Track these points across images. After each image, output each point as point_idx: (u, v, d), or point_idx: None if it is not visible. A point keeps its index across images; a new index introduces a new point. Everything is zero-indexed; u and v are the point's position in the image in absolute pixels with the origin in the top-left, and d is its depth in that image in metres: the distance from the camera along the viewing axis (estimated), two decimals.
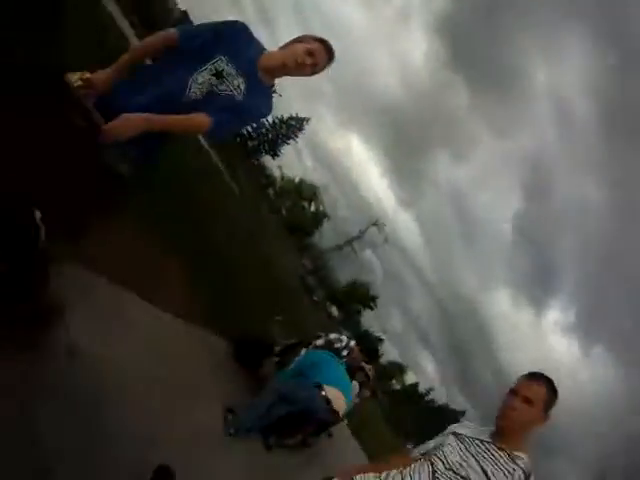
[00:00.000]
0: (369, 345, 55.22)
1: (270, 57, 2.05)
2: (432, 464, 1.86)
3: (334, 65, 2.12)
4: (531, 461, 1.81)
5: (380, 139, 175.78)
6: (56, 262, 1.96)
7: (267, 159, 67.90)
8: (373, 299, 70.45)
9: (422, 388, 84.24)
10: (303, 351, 4.61)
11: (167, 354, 3.18)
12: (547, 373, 1.92)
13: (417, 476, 1.84)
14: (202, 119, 1.96)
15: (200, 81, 1.92)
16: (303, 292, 32.06)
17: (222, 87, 1.97)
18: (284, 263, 24.79)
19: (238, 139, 52.38)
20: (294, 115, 63.70)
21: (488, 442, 1.86)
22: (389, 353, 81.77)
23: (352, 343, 5.11)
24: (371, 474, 1.96)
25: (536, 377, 1.91)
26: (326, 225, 66.34)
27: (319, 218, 64.70)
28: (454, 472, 1.79)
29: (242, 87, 2.00)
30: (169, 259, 4.41)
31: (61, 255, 2.16)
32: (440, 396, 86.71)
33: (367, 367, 5.88)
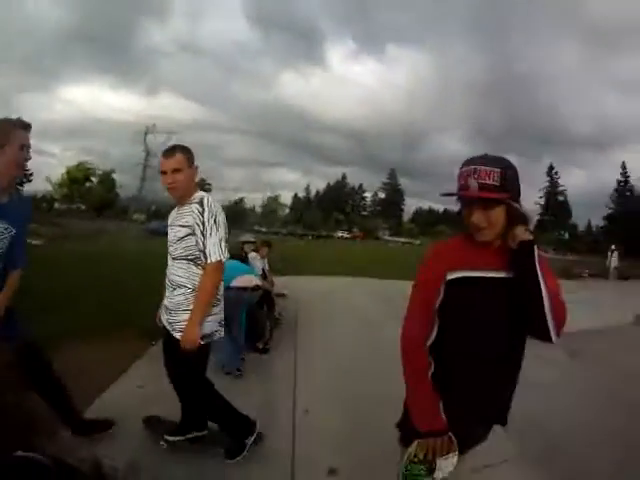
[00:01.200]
0: None
1: None
2: (169, 254, 2.56)
3: None
4: (202, 194, 2.51)
5: (78, 68, 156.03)
6: None
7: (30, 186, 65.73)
8: (204, 184, 72.15)
9: None
10: None
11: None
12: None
13: (170, 268, 2.57)
14: (15, 275, 2.39)
15: None
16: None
17: None
18: (124, 242, 23.96)
19: None
20: None
21: (177, 210, 2.56)
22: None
23: None
24: None
25: (168, 152, 2.50)
26: (118, 176, 65.94)
27: (107, 180, 63.25)
28: (172, 244, 2.52)
29: (6, 224, 2.23)
30: None
31: None
32: None
33: (242, 240, 6.56)
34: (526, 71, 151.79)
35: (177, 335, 2.47)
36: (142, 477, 2.43)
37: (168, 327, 2.56)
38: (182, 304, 2.49)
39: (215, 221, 2.40)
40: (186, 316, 2.44)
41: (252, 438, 2.75)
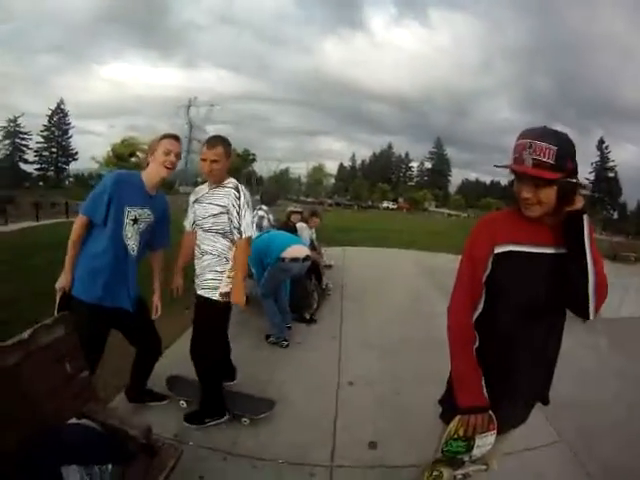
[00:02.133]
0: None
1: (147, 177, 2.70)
2: (199, 226, 2.90)
3: None
4: (235, 181, 2.89)
5: (116, 46, 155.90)
6: None
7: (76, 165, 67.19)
8: (248, 155, 72.84)
9: None
10: None
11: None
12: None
13: (200, 238, 2.91)
14: (158, 255, 3.02)
15: (130, 235, 2.64)
16: None
17: (142, 225, 2.69)
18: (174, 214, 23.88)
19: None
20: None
21: (208, 189, 2.91)
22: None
23: (263, 208, 5.65)
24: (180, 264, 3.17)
25: (211, 142, 2.82)
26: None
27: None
28: (203, 218, 2.87)
29: (149, 212, 2.70)
30: None
31: None
32: None
33: (290, 210, 6.48)
34: (577, 35, 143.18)
35: (201, 292, 2.89)
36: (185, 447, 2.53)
37: (196, 288, 2.93)
38: (208, 266, 2.88)
39: (248, 205, 2.85)
40: (211, 275, 2.87)
41: (213, 422, 2.94)
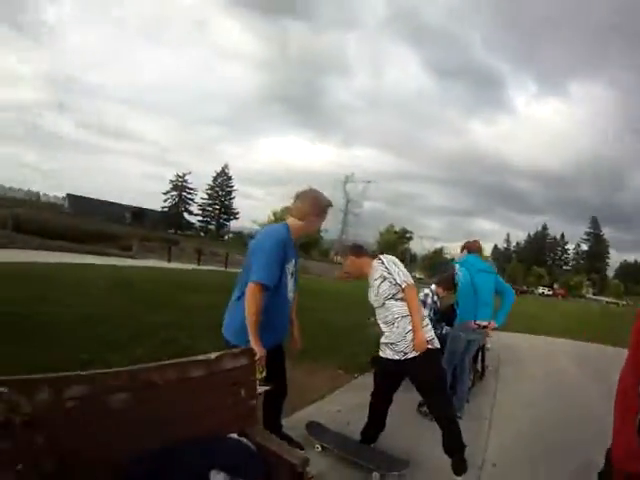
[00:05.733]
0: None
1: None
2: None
3: None
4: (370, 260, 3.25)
5: (278, 124, 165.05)
6: None
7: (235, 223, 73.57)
8: (405, 233, 72.94)
9: None
10: None
11: None
12: None
13: (379, 314, 3.20)
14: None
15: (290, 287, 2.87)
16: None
17: (295, 275, 2.94)
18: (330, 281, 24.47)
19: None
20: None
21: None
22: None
23: (432, 287, 5.47)
24: None
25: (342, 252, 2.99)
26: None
27: None
28: (373, 299, 3.23)
29: (296, 259, 2.95)
30: None
31: None
32: None
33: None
34: None
35: (415, 353, 3.02)
36: None
37: (397, 356, 3.10)
38: (404, 329, 3.06)
39: (391, 262, 3.16)
40: (411, 335, 3.03)
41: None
